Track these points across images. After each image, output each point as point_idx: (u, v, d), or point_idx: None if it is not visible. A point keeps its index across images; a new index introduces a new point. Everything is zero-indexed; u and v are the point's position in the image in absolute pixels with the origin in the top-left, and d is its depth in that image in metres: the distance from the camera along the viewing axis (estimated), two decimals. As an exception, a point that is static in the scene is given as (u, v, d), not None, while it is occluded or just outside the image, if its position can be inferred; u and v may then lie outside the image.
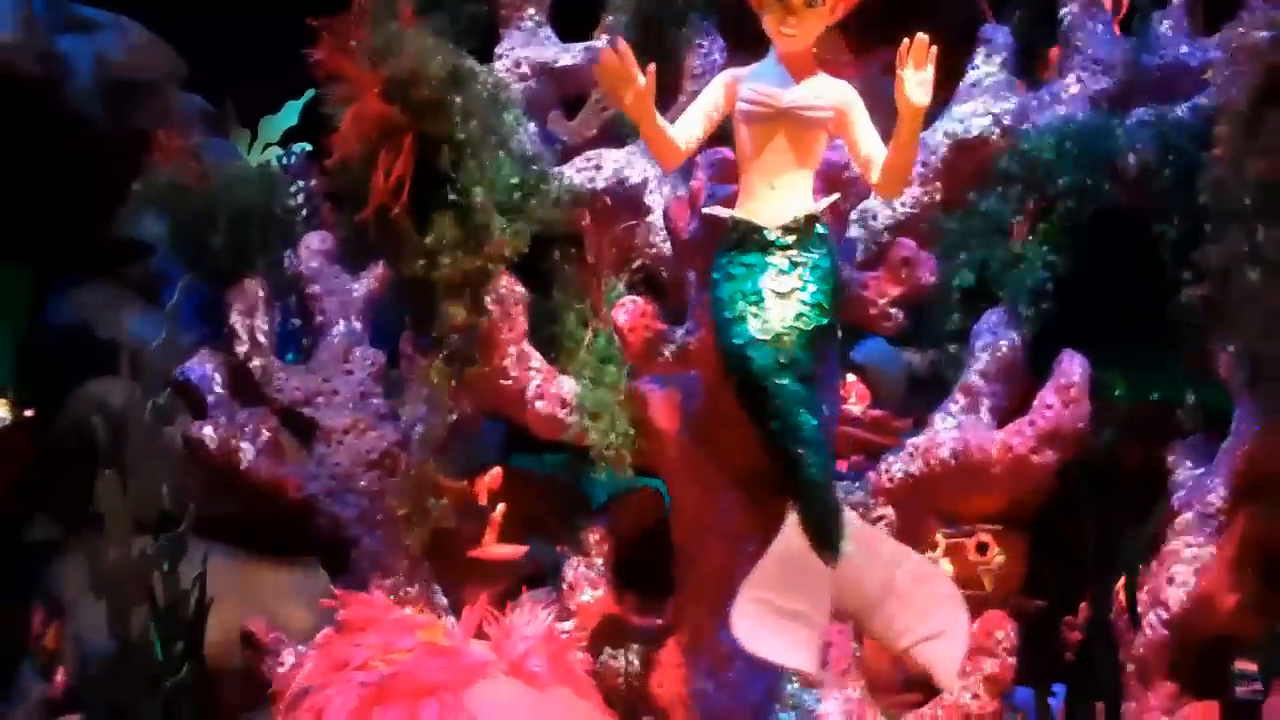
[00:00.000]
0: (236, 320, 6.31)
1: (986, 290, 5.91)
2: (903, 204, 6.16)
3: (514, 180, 5.63)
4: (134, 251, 8.05)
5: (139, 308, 8.00)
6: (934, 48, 4.64)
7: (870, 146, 4.98)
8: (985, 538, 6.25)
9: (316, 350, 6.45)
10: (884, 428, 6.27)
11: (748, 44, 6.49)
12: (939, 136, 6.20)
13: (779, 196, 5.01)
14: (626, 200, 6.21)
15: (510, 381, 5.76)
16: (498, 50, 6.59)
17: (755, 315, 4.91)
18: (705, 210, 5.22)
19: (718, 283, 5.03)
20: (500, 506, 6.28)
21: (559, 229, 6.02)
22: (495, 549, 6.21)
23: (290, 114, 9.41)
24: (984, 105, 6.20)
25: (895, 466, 5.68)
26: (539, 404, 5.77)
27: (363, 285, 6.54)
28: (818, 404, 4.86)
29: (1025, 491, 5.65)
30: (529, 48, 6.58)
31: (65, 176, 8.05)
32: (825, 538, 4.81)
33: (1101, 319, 5.81)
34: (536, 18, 6.70)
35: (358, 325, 6.41)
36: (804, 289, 4.94)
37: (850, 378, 6.53)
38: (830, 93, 5.02)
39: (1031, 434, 5.44)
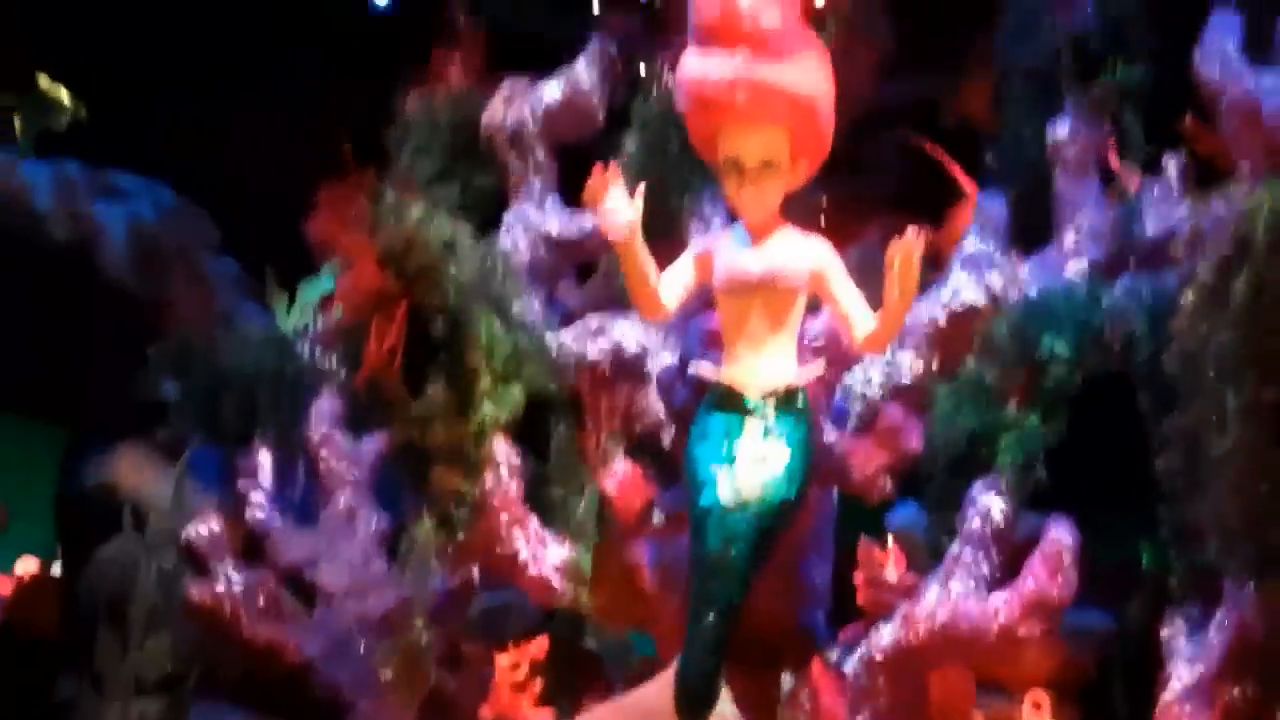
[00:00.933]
0: (244, 483, 6.42)
1: (978, 458, 5.91)
2: (899, 372, 6.21)
3: (508, 347, 5.71)
4: (160, 414, 8.23)
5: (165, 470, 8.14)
6: (922, 235, 4.60)
7: (849, 303, 4.87)
8: (1030, 708, 6.15)
9: (323, 513, 6.55)
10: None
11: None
12: (933, 306, 6.27)
13: (761, 363, 4.98)
14: (626, 367, 6.29)
15: (504, 547, 5.81)
16: (504, 219, 6.76)
17: (726, 480, 4.90)
18: (691, 370, 5.27)
19: (693, 443, 5.02)
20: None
21: (558, 395, 6.11)
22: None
23: (329, 278, 9.62)
24: (977, 275, 6.27)
25: (886, 636, 5.67)
26: (532, 570, 5.82)
27: (370, 448, 6.65)
28: (754, 576, 4.82)
29: (1026, 660, 5.60)
30: (534, 217, 6.74)
31: (97, 339, 8.27)
32: (691, 703, 4.73)
33: (1092, 486, 5.82)
34: (545, 189, 6.87)
35: (364, 488, 6.50)
36: (777, 458, 4.93)
37: (889, 543, 6.51)
38: (804, 255, 4.92)
39: (1018, 604, 5.44)
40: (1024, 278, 6.37)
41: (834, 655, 5.83)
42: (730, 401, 4.95)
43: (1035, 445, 5.79)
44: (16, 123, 8.83)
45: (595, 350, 6.25)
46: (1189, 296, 4.75)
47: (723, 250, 4.95)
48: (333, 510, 6.53)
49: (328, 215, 5.43)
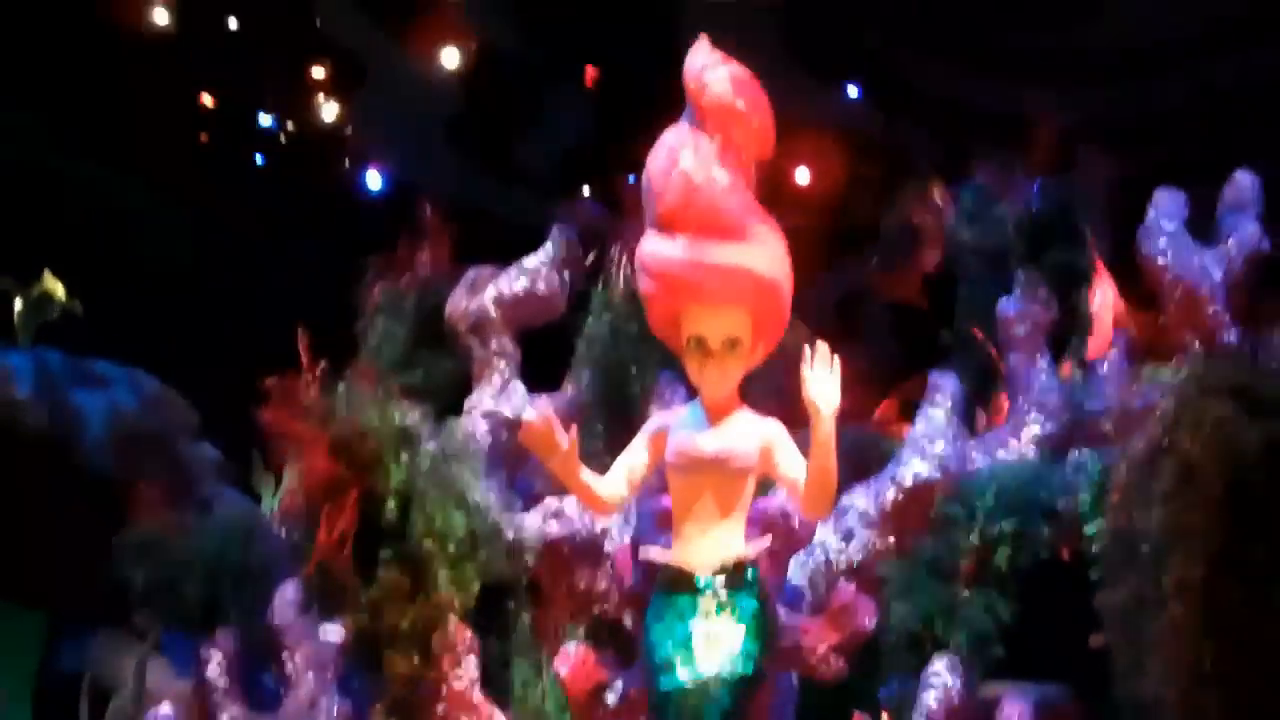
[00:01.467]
0: (208, 671, 6.44)
1: (933, 635, 5.93)
2: (853, 549, 6.26)
3: (462, 532, 5.78)
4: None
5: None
6: (836, 356, 4.66)
7: (795, 472, 4.92)
8: None
9: (285, 700, 6.55)
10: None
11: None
12: (887, 483, 6.34)
13: (709, 542, 5.05)
14: (586, 548, 6.34)
15: (457, 728, 5.81)
16: (467, 404, 6.88)
17: (683, 662, 4.93)
18: (642, 555, 5.33)
19: (649, 626, 5.07)
20: None
21: (515, 578, 6.16)
22: None
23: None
24: (930, 451, 6.35)
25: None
26: (481, 750, 5.81)
27: (333, 634, 6.66)
28: None
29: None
30: (497, 401, 6.85)
31: (76, 524, 8.34)
32: None
33: (1049, 661, 5.82)
34: (506, 373, 6.99)
35: (327, 675, 6.50)
36: (732, 633, 4.97)
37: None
38: (753, 435, 5.05)
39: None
40: (976, 454, 6.46)
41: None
42: (681, 582, 5.01)
43: (988, 622, 5.81)
44: (17, 309, 8.97)
45: (554, 532, 6.32)
46: (1120, 474, 4.80)
47: (677, 428, 5.07)
48: (294, 697, 6.53)
49: (279, 405, 5.53)
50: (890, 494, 6.33)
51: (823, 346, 4.54)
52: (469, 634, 5.87)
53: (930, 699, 5.77)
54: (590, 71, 10.17)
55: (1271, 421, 4.48)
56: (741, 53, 4.99)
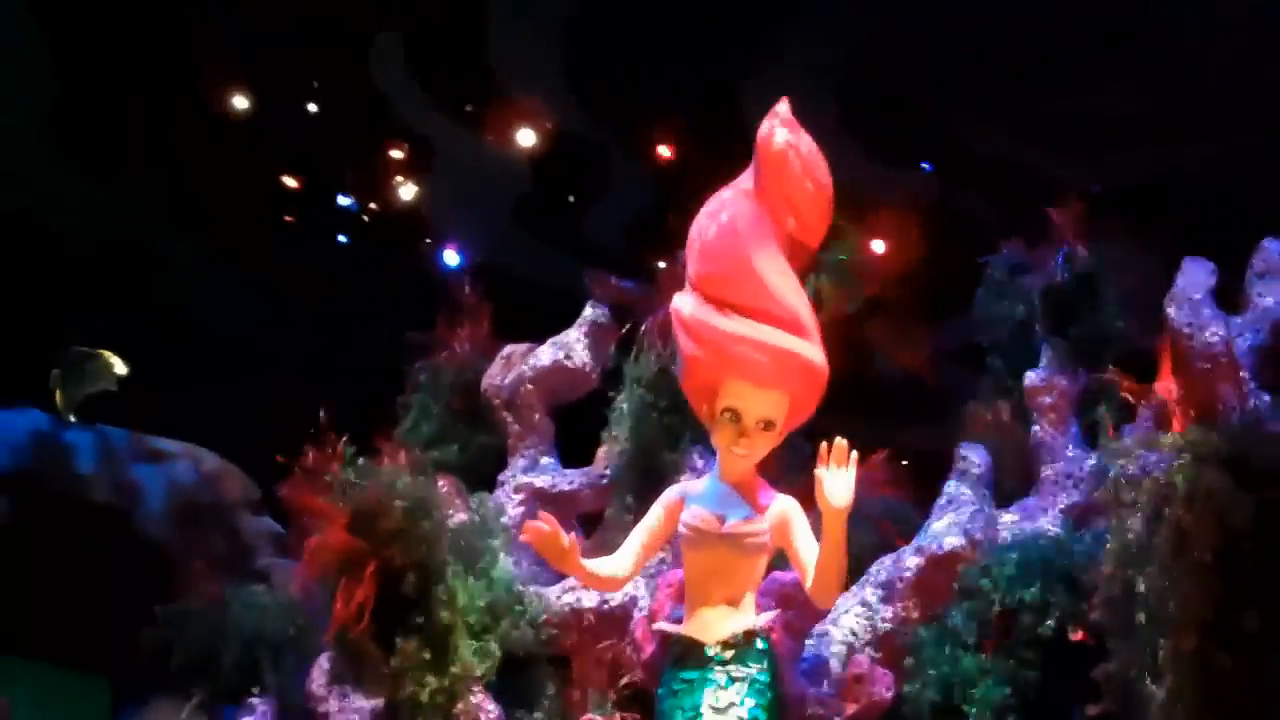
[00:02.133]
0: (249, 738, 6.59)
1: (954, 706, 5.91)
2: (883, 619, 6.27)
3: (481, 604, 5.87)
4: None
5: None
6: (854, 452, 4.71)
7: (806, 554, 5.01)
8: None
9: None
10: None
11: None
12: (914, 553, 6.35)
13: (720, 614, 5.12)
14: (613, 618, 6.41)
15: (477, 797, 5.89)
16: (500, 478, 6.99)
17: None
18: (655, 627, 5.40)
19: (662, 698, 5.15)
20: None
21: (542, 648, 6.23)
22: None
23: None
24: (956, 521, 6.35)
25: None
26: (499, 817, 5.88)
27: (370, 704, 6.76)
28: None
29: None
30: (529, 475, 6.96)
31: (138, 593, 8.55)
32: None
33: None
34: (541, 447, 7.10)
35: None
36: (741, 704, 5.01)
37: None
38: (768, 514, 5.12)
39: None
40: (1004, 524, 6.45)
41: None
42: (691, 653, 5.08)
43: (1004, 693, 5.78)
44: (58, 392, 9.25)
45: (580, 602, 6.39)
46: (1113, 544, 4.80)
47: (692, 500, 5.14)
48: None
49: (300, 480, 5.69)
50: (917, 563, 6.33)
51: (840, 443, 4.58)
52: (492, 705, 5.94)
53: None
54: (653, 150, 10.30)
55: (1264, 491, 4.45)
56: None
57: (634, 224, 9.47)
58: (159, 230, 10.24)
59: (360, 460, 5.78)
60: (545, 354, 7.19)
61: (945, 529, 6.39)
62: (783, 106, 5.11)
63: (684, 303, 5.07)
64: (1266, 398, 6.22)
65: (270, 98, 10.22)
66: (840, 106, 8.90)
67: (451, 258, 10.10)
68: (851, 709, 5.70)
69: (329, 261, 10.07)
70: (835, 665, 6.20)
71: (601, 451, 7.13)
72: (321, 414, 5.93)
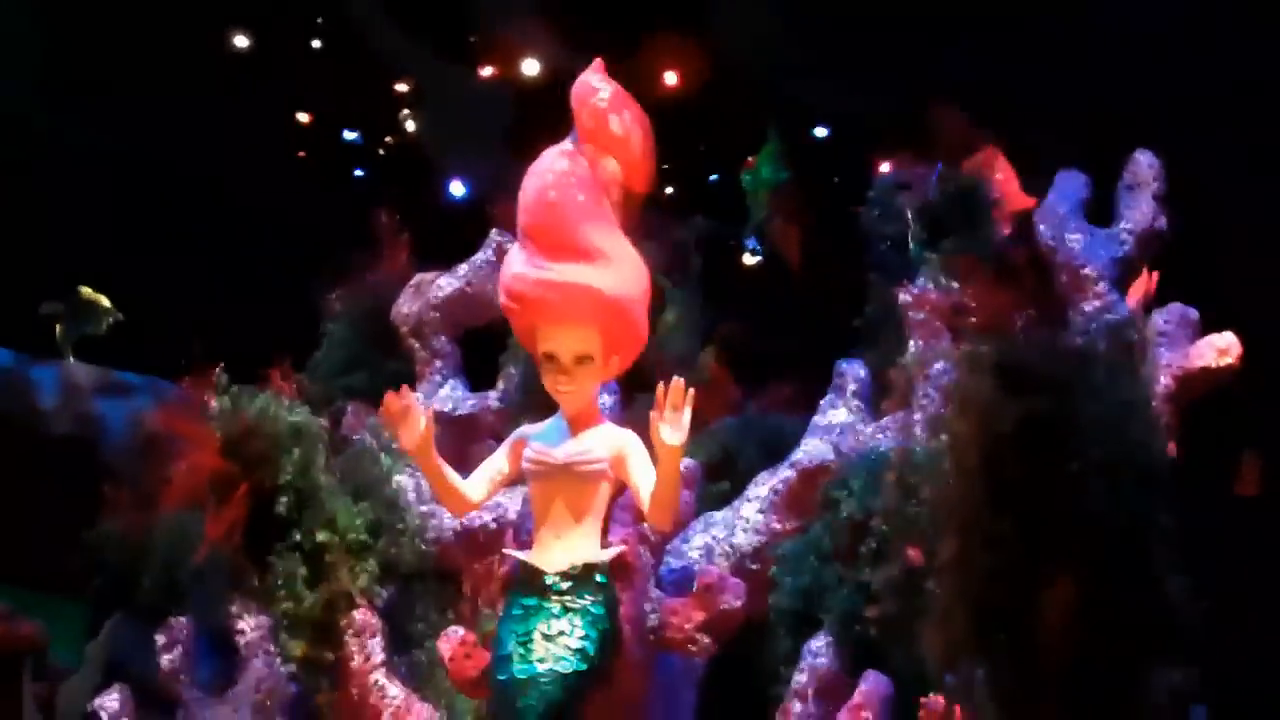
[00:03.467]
0: (161, 655, 6.91)
1: (813, 615, 6.12)
2: (756, 532, 6.49)
3: (364, 522, 6.15)
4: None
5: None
6: (691, 391, 4.93)
7: (642, 481, 5.24)
8: None
9: (238, 683, 7.00)
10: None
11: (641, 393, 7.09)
12: (787, 467, 6.54)
13: (562, 545, 5.32)
14: (498, 536, 6.64)
15: (367, 709, 6.19)
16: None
17: (520, 656, 5.22)
18: (503, 551, 5.66)
19: (500, 621, 5.39)
20: None
21: (427, 564, 6.51)
22: None
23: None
24: (828, 436, 6.53)
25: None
26: (386, 725, 6.18)
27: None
28: None
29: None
30: (430, 399, 7.22)
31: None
32: None
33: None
34: (445, 372, 7.36)
35: (276, 658, 6.91)
36: (571, 634, 5.23)
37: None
38: (607, 442, 5.32)
39: (819, 754, 5.61)
40: (879, 438, 6.61)
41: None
42: (531, 580, 5.31)
43: (858, 602, 5.97)
44: (58, 329, 9.67)
45: (468, 521, 6.64)
46: (896, 451, 4.97)
47: (535, 437, 5.37)
48: (244, 680, 6.97)
49: (174, 407, 5.99)
50: (788, 478, 6.52)
51: (676, 384, 4.71)
52: (373, 619, 6.23)
53: (802, 676, 5.95)
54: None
55: (1028, 399, 4.59)
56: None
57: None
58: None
59: (234, 388, 6.04)
60: (448, 282, 7.42)
61: (817, 444, 6.57)
62: (595, 68, 5.41)
63: (506, 259, 5.32)
64: (1125, 309, 6.33)
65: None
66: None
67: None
68: (700, 617, 5.90)
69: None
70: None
71: (501, 377, 7.38)
72: (196, 341, 6.20)
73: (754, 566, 6.44)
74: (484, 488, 5.38)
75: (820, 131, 8.01)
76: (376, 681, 6.22)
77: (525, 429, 5.45)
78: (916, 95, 7.29)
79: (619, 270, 5.18)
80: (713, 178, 10.04)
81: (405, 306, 7.49)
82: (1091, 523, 4.66)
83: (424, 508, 6.72)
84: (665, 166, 5.77)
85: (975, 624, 4.61)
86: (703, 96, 9.51)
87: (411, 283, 7.56)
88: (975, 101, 7.33)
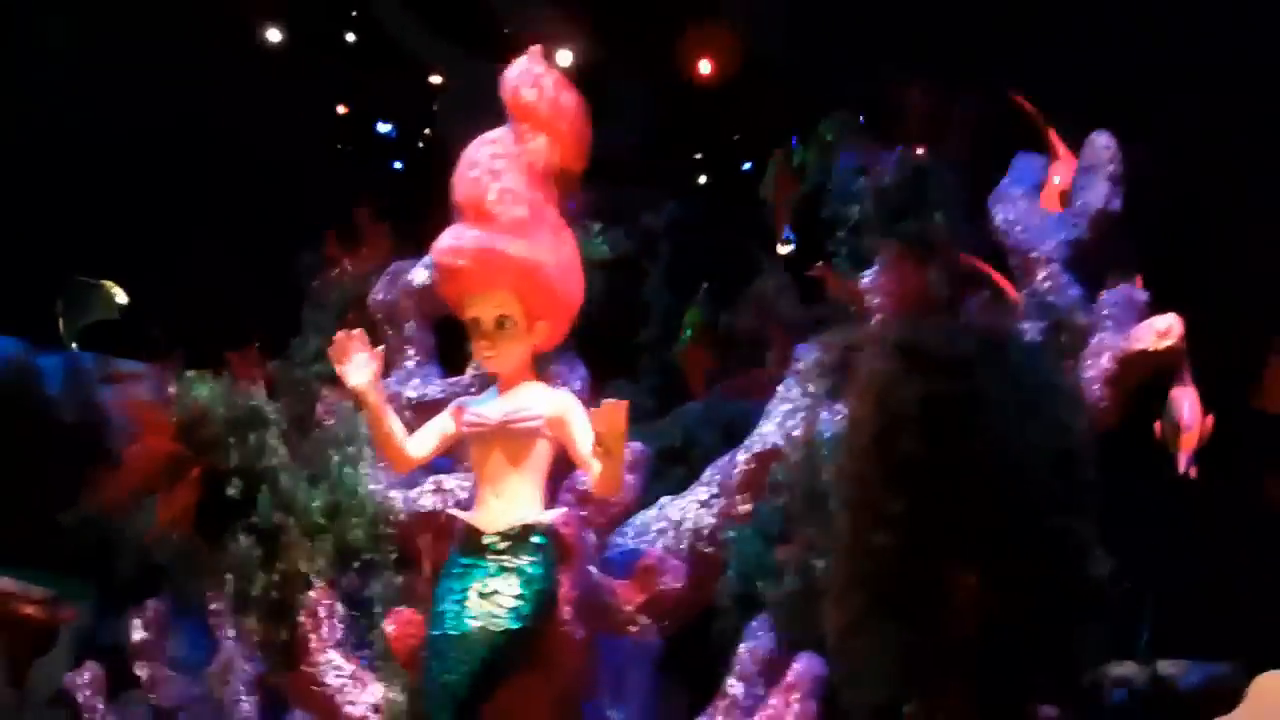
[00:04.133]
0: (134, 634, 7.11)
1: (756, 597, 6.17)
2: (707, 514, 6.55)
3: (316, 504, 6.29)
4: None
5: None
6: (624, 406, 5.11)
7: (585, 450, 5.45)
8: None
9: (211, 663, 7.18)
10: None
11: (609, 372, 7.20)
12: (741, 452, 6.59)
13: (501, 504, 5.56)
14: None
15: (320, 688, 6.33)
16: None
17: (455, 613, 5.40)
18: (447, 511, 5.82)
19: (439, 579, 5.56)
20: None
21: (384, 546, 6.63)
22: None
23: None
24: (781, 420, 6.57)
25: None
26: (348, 708, 6.31)
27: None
28: (475, 704, 5.24)
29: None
30: (400, 385, 7.32)
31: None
32: None
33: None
34: (418, 359, 7.45)
35: (237, 638, 7.09)
36: (507, 593, 5.41)
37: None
38: (543, 402, 5.55)
39: (752, 734, 5.67)
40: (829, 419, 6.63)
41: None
42: (470, 540, 5.50)
43: (797, 583, 6.00)
44: (60, 318, 9.91)
45: (429, 501, 6.74)
46: (802, 430, 5.02)
47: (473, 404, 5.59)
48: (215, 660, 7.15)
49: (133, 390, 6.14)
50: (742, 461, 6.57)
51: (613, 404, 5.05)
52: (328, 600, 6.37)
53: (742, 658, 6.00)
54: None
55: (929, 380, 4.63)
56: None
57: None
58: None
59: (192, 373, 6.19)
60: (420, 271, 7.52)
61: (771, 428, 6.61)
62: (531, 53, 5.80)
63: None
64: (1074, 291, 6.32)
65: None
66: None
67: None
68: (640, 598, 5.99)
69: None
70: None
71: (470, 364, 7.46)
72: (155, 327, 6.36)
73: (708, 550, 6.48)
74: (426, 445, 5.62)
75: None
76: (331, 660, 6.35)
77: (464, 399, 5.65)
78: (885, 76, 7.30)
79: (535, 237, 5.43)
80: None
81: (381, 294, 7.59)
82: (994, 504, 4.68)
83: (391, 493, 6.83)
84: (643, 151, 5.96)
85: (870, 604, 4.65)
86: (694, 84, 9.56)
87: (388, 271, 7.66)
88: (949, 82, 7.31)
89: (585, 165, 5.84)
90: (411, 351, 7.50)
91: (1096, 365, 5.88)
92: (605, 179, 6.46)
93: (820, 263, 6.60)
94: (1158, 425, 6.15)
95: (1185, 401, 6.29)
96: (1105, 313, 6.07)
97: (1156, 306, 6.12)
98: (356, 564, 6.47)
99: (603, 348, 6.97)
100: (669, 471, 7.03)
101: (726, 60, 9.45)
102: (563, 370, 7.09)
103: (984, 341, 4.80)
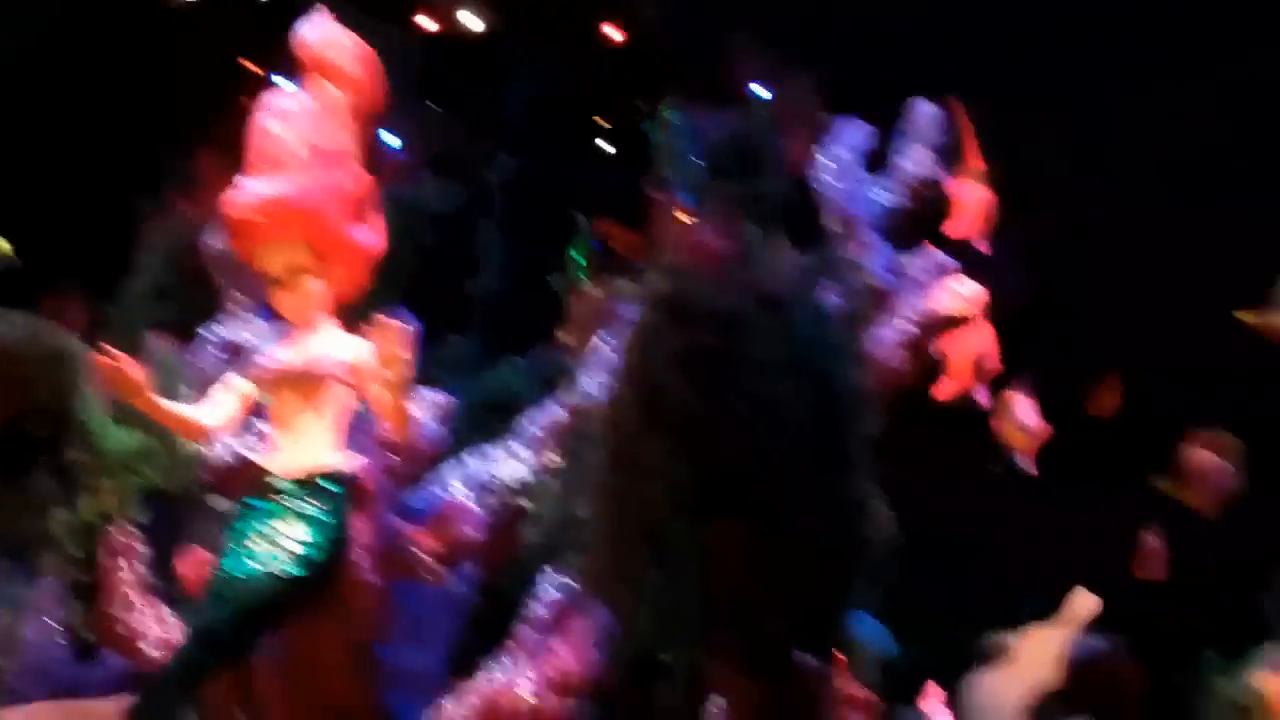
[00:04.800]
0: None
1: (560, 548, 6.19)
2: (525, 466, 6.56)
3: (121, 446, 6.25)
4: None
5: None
6: (409, 328, 5.13)
7: (377, 398, 5.47)
8: None
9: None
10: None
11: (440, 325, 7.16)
12: (558, 405, 6.61)
13: (293, 449, 5.54)
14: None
15: (123, 628, 6.30)
16: (200, 333, 7.33)
17: (238, 554, 5.39)
18: (239, 453, 5.81)
19: (229, 520, 5.56)
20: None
21: (190, 489, 6.60)
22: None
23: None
24: (600, 374, 6.58)
25: (448, 715, 5.98)
26: (149, 648, 6.29)
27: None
28: (243, 644, 5.24)
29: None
30: (228, 331, 7.29)
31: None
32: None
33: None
34: (249, 305, 7.41)
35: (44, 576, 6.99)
36: (293, 537, 5.40)
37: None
38: (339, 348, 5.55)
39: (540, 681, 5.70)
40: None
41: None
42: (259, 483, 5.49)
43: (589, 534, 6.03)
44: None
45: (235, 444, 6.70)
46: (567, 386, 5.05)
47: (264, 348, 5.57)
48: (21, 599, 7.08)
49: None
50: (557, 413, 6.59)
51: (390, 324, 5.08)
52: (129, 540, 6.34)
53: (536, 606, 6.03)
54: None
55: (693, 332, 4.66)
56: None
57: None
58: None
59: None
60: (255, 216, 7.48)
61: (589, 381, 6.62)
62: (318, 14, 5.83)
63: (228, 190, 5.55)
64: (885, 255, 6.39)
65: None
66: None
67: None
68: (435, 546, 6.00)
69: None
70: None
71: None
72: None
73: (519, 501, 6.50)
74: (223, 410, 5.56)
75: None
76: (133, 601, 6.32)
77: (258, 343, 5.63)
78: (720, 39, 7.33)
79: (324, 186, 5.41)
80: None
81: (214, 240, 7.54)
82: (756, 459, 4.73)
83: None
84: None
85: (631, 553, 4.69)
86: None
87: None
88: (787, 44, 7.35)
89: (379, 113, 5.83)
90: (244, 298, 7.45)
91: (896, 327, 5.92)
92: (441, 132, 6.47)
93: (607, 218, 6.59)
94: (996, 422, 6.26)
95: (1023, 404, 6.44)
96: (911, 276, 6.11)
97: (967, 273, 6.19)
98: (161, 505, 6.37)
99: (433, 300, 6.96)
100: (493, 423, 7.01)
101: (566, 17, 9.43)
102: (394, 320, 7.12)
103: (751, 297, 4.83)
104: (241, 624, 5.32)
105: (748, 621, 4.80)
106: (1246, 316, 7.79)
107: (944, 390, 6.81)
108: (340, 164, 5.64)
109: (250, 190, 5.49)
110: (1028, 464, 6.72)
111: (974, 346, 6.66)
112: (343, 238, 5.60)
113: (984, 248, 7.14)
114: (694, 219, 6.09)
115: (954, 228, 6.99)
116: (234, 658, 5.35)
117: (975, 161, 7.17)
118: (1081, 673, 7.26)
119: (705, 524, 4.68)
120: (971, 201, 7.14)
